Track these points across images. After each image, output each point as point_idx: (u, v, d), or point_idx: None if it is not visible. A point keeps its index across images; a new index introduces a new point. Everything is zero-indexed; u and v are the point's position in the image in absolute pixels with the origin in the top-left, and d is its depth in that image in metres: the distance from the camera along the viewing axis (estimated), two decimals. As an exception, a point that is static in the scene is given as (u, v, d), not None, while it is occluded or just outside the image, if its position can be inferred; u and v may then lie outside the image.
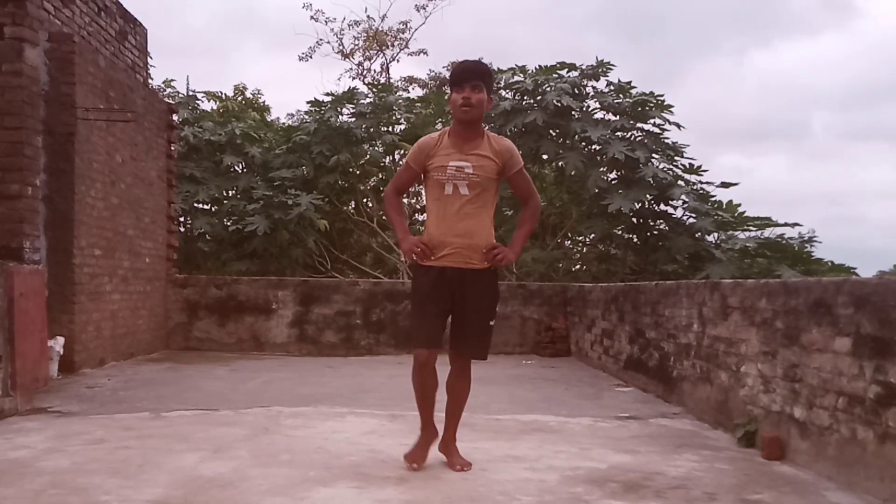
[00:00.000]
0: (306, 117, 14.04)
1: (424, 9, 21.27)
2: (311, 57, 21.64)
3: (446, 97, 3.69)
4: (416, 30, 21.53)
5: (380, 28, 21.17)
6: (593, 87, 12.27)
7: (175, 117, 9.85)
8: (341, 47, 21.35)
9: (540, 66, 12.19)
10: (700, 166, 11.51)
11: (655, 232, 11.60)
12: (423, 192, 3.93)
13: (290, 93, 43.64)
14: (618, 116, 11.91)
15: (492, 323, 3.72)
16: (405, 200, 14.14)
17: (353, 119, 13.21)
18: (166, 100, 11.02)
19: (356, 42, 21.37)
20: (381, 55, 21.61)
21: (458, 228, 3.60)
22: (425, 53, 21.62)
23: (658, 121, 11.84)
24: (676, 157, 11.67)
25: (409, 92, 18.73)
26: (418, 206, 14.76)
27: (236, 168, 13.32)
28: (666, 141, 11.84)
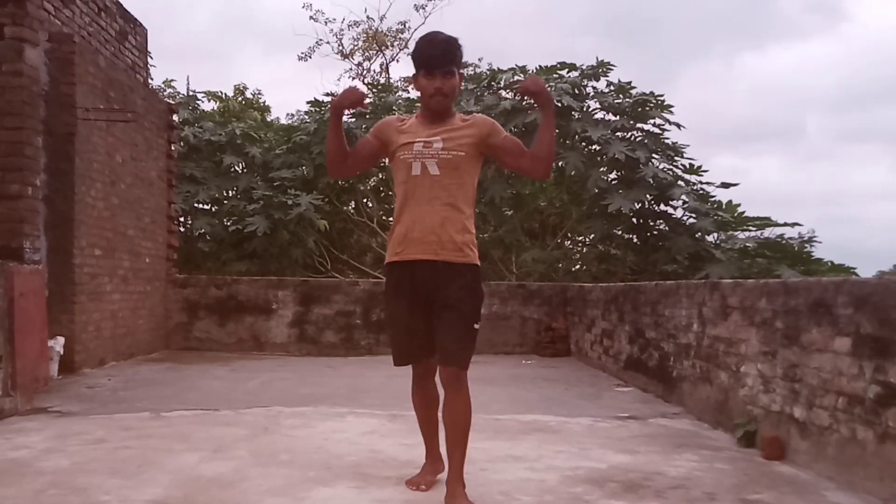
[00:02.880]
0: (306, 117, 14.04)
1: (424, 9, 21.27)
2: (310, 57, 21.65)
3: (411, 77, 3.29)
4: (415, 30, 21.52)
5: (379, 28, 21.17)
6: (593, 88, 12.29)
7: (175, 117, 9.86)
8: (341, 48, 21.36)
9: (540, 66, 12.20)
10: (700, 166, 11.52)
11: (655, 232, 11.60)
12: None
13: (289, 95, 43.68)
14: (618, 116, 11.91)
15: (476, 326, 3.14)
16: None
17: (352, 119, 13.21)
18: (166, 100, 11.02)
19: (356, 42, 21.38)
20: (381, 55, 21.61)
21: (427, 215, 3.09)
22: (425, 53, 21.57)
23: (658, 121, 11.85)
24: (676, 158, 11.68)
25: (408, 92, 18.70)
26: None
27: (236, 168, 13.33)
28: (666, 141, 11.85)
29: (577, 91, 11.85)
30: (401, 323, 3.24)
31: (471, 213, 3.20)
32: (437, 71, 3.09)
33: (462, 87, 3.29)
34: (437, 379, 3.30)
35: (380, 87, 15.14)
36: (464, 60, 3.20)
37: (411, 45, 21.73)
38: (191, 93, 14.55)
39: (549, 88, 3.19)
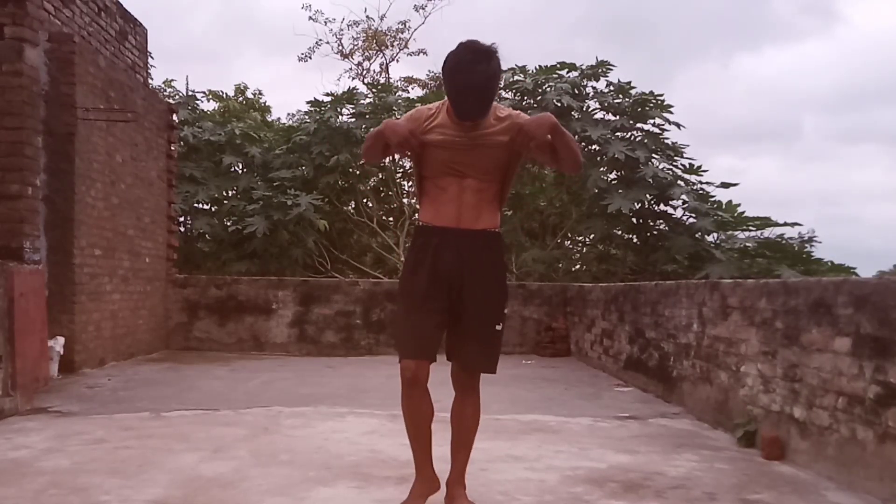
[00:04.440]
0: (306, 118, 14.04)
1: (423, 9, 21.26)
2: (310, 57, 21.63)
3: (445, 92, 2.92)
4: (415, 30, 21.51)
5: (379, 28, 21.17)
6: (593, 88, 12.29)
7: (175, 117, 9.86)
8: (340, 47, 21.35)
9: (540, 66, 12.20)
10: (700, 166, 11.53)
11: (655, 232, 11.61)
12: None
13: (289, 96, 43.67)
14: (618, 116, 11.92)
15: (498, 328, 3.01)
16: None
17: (352, 119, 13.21)
18: (166, 100, 11.02)
19: (355, 42, 21.37)
20: (381, 55, 21.61)
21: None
22: (424, 53, 21.61)
23: (658, 121, 11.85)
24: (676, 157, 11.69)
25: (408, 92, 18.70)
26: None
27: (236, 168, 13.33)
28: (666, 141, 11.85)
29: (576, 91, 11.86)
30: (420, 312, 2.93)
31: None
32: (469, 121, 2.85)
33: None
34: (432, 385, 3.11)
35: (379, 87, 15.13)
36: (500, 84, 2.83)
37: (411, 46, 21.80)
38: (190, 93, 14.56)
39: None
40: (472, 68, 2.73)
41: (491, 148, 2.92)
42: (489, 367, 3.03)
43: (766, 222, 11.12)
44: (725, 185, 11.47)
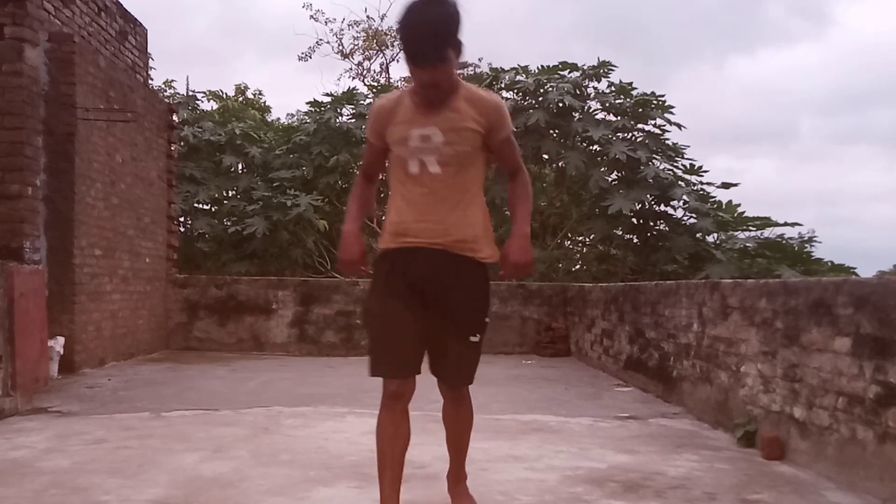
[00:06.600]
0: (306, 118, 14.04)
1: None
2: (310, 57, 21.63)
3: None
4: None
5: (379, 28, 21.16)
6: (594, 88, 12.30)
7: (175, 117, 9.86)
8: (341, 47, 21.34)
9: (542, 66, 12.21)
10: (700, 167, 11.54)
11: (655, 232, 11.62)
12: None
13: (289, 98, 43.73)
14: (619, 117, 11.93)
15: (474, 339, 2.76)
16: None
17: (352, 119, 13.21)
18: (166, 100, 11.03)
19: (355, 42, 21.37)
20: (381, 55, 21.60)
21: (431, 219, 2.66)
22: (425, 53, 21.57)
23: (659, 121, 11.86)
24: (677, 158, 11.70)
25: (409, 92, 18.67)
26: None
27: (236, 168, 13.33)
28: (666, 142, 11.86)
29: (578, 91, 11.87)
30: (391, 321, 2.71)
31: (480, 204, 2.76)
32: (425, 68, 2.53)
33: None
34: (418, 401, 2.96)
35: (380, 87, 15.13)
36: (460, 35, 2.56)
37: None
38: (190, 93, 14.57)
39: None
40: (422, 10, 2.52)
41: (462, 132, 2.63)
42: (463, 381, 2.87)
43: (766, 222, 11.13)
44: (726, 186, 11.50)
